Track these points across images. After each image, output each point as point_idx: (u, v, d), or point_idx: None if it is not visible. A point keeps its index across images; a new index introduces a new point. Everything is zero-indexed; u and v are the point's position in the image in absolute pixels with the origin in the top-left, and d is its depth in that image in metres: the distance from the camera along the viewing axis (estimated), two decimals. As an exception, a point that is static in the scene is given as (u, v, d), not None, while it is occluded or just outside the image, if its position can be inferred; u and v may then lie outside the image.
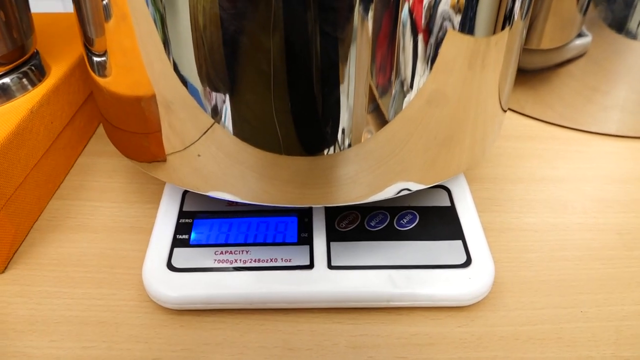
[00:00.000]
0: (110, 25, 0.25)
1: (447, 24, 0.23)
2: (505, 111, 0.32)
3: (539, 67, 0.45)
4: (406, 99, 0.25)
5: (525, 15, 0.28)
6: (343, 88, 0.23)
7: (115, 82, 0.28)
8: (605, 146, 0.43)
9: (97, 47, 0.27)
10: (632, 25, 0.39)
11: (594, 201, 0.37)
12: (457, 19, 0.23)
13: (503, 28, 0.26)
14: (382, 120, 0.25)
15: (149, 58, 0.24)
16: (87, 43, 0.28)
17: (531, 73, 0.46)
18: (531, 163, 0.41)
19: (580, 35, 0.42)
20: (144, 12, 0.23)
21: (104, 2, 0.24)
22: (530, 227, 0.35)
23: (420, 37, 0.23)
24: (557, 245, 0.33)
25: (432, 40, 0.23)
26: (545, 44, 0.44)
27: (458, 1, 0.23)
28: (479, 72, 0.26)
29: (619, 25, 0.40)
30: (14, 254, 0.32)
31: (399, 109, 0.25)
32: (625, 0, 0.38)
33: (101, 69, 0.28)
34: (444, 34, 0.23)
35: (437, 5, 0.22)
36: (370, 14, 0.22)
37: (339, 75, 0.23)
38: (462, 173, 0.35)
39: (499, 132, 0.33)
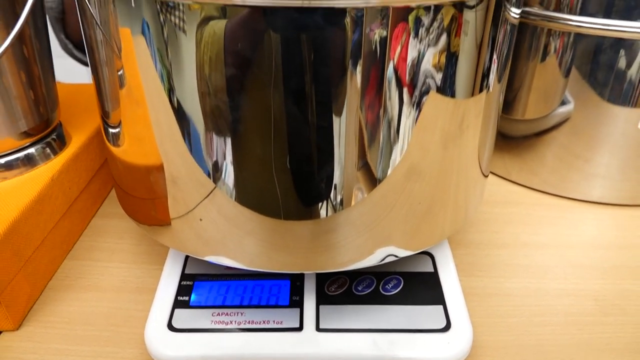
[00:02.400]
0: (124, 105, 0.29)
1: (430, 82, 0.26)
2: (486, 176, 0.35)
3: (524, 134, 0.48)
4: (390, 166, 0.27)
5: (501, 79, 0.31)
6: (336, 151, 0.26)
7: (127, 151, 0.31)
8: (588, 213, 0.45)
9: (112, 120, 0.31)
10: (613, 90, 0.42)
11: (575, 267, 0.39)
12: (438, 80, 0.26)
13: (481, 91, 0.29)
14: (371, 183, 0.28)
15: (160, 134, 0.28)
16: (104, 115, 0.32)
17: (516, 140, 0.49)
18: (515, 229, 0.43)
19: (563, 102, 0.44)
20: (158, 100, 0.27)
21: (122, 90, 0.28)
22: (512, 292, 0.37)
23: (405, 100, 0.26)
24: (536, 311, 0.35)
25: (414, 107, 0.26)
26: (530, 114, 0.47)
27: (439, 65, 0.26)
28: (458, 137, 0.29)
29: (601, 90, 0.42)
30: (28, 312, 0.34)
31: (384, 174, 0.28)
32: (606, 66, 0.41)
33: (115, 139, 0.31)
34: (426, 97, 0.26)
35: (419, 75, 0.25)
36: (360, 94, 0.25)
37: (332, 141, 0.26)
38: (446, 239, 0.38)
39: (481, 198, 0.35)
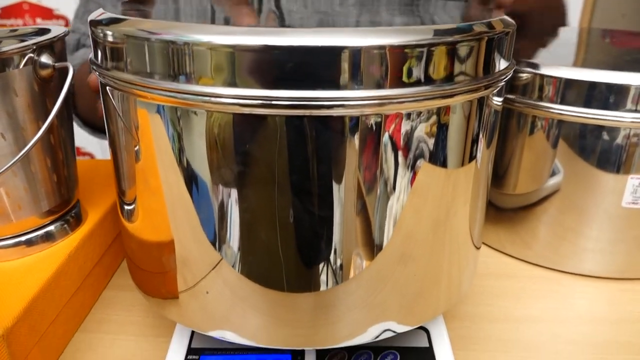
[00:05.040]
0: (140, 181, 0.32)
1: (422, 158, 0.29)
2: (478, 248, 0.37)
3: (516, 206, 0.50)
4: (385, 242, 0.30)
5: (489, 155, 0.33)
6: (335, 229, 0.29)
7: (140, 227, 0.33)
8: (580, 286, 0.47)
9: (127, 197, 0.34)
10: (600, 163, 0.44)
11: (566, 343, 0.40)
12: (429, 156, 0.29)
13: (470, 162, 0.31)
14: (368, 260, 0.30)
15: (172, 210, 0.30)
16: (121, 193, 0.34)
17: (509, 212, 0.51)
18: (509, 302, 0.45)
19: (553, 172, 0.47)
20: (172, 178, 0.30)
21: (137, 165, 0.31)
22: (505, 367, 0.38)
23: (398, 179, 0.29)
24: (529, 386, 0.36)
25: (408, 186, 0.29)
26: (521, 189, 0.50)
27: (431, 146, 0.29)
28: (449, 210, 0.31)
29: (589, 163, 0.45)
30: (41, 385, 0.36)
31: (379, 250, 0.30)
32: (590, 147, 0.44)
33: (130, 215, 0.34)
34: (418, 172, 0.29)
35: (411, 155, 0.28)
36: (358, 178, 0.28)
37: (332, 217, 0.29)
38: (441, 315, 0.39)
39: (474, 270, 0.37)
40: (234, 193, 0.28)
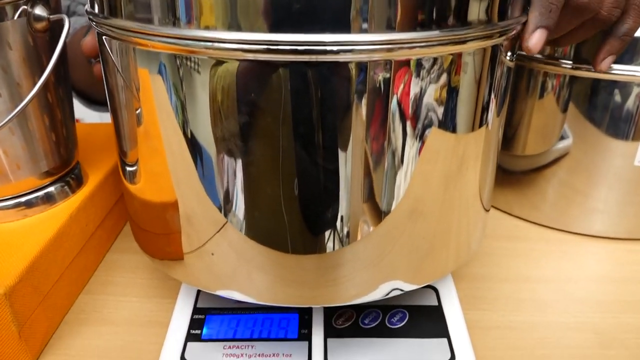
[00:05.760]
0: (141, 142, 0.31)
1: (432, 117, 0.27)
2: (487, 210, 0.36)
3: (525, 169, 0.50)
4: (394, 200, 0.29)
5: (499, 115, 0.32)
6: (342, 188, 0.28)
7: (143, 189, 0.33)
8: (588, 247, 0.47)
9: (129, 159, 0.33)
10: (610, 126, 0.44)
11: (575, 301, 0.40)
12: (440, 116, 0.28)
13: (480, 126, 0.30)
14: (376, 217, 0.29)
15: (175, 170, 0.29)
16: (122, 155, 0.34)
17: (517, 175, 0.50)
18: (518, 263, 0.44)
19: (562, 137, 0.46)
20: (174, 137, 0.29)
21: (139, 129, 0.30)
22: (514, 326, 0.37)
23: (408, 134, 0.27)
24: (538, 344, 0.36)
25: (417, 140, 0.28)
26: (529, 150, 0.49)
27: (440, 102, 0.27)
28: (459, 171, 0.30)
29: (599, 125, 0.44)
30: (46, 345, 0.36)
31: (389, 209, 0.29)
32: (602, 105, 0.43)
33: (132, 177, 0.33)
34: (428, 132, 0.28)
35: (421, 111, 0.27)
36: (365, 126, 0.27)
37: (338, 179, 0.28)
38: (450, 274, 0.39)
39: (483, 232, 0.37)
40: (239, 145, 0.27)
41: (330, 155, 0.27)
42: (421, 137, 0.28)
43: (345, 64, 0.25)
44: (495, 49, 0.29)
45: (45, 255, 0.35)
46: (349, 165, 0.27)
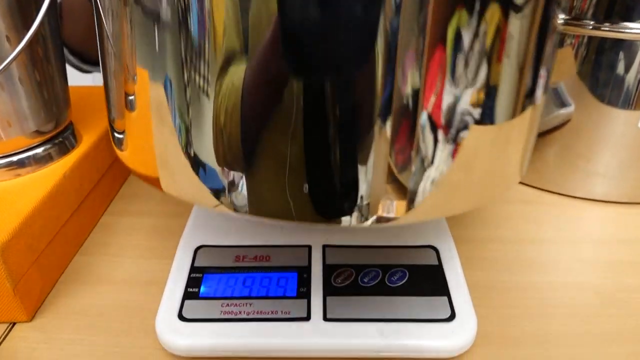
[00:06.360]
0: (131, 114, 0.29)
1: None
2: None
3: (528, 135, 0.49)
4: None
5: (545, 90, 0.29)
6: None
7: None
8: (590, 210, 0.46)
9: (117, 126, 0.31)
10: (613, 94, 0.43)
11: (576, 262, 0.40)
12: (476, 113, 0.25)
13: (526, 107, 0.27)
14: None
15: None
16: (111, 121, 0.32)
17: (520, 141, 0.49)
18: (519, 225, 0.44)
19: (563, 104, 0.45)
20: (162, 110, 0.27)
21: (130, 98, 0.29)
22: (515, 285, 0.37)
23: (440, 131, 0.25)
24: (540, 303, 0.36)
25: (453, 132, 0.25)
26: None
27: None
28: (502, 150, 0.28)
29: (601, 93, 0.43)
30: (41, 304, 0.35)
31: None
32: (606, 71, 0.42)
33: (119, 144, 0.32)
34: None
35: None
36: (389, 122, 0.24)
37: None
38: (450, 234, 0.38)
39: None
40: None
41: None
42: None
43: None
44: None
45: (38, 213, 0.34)
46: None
